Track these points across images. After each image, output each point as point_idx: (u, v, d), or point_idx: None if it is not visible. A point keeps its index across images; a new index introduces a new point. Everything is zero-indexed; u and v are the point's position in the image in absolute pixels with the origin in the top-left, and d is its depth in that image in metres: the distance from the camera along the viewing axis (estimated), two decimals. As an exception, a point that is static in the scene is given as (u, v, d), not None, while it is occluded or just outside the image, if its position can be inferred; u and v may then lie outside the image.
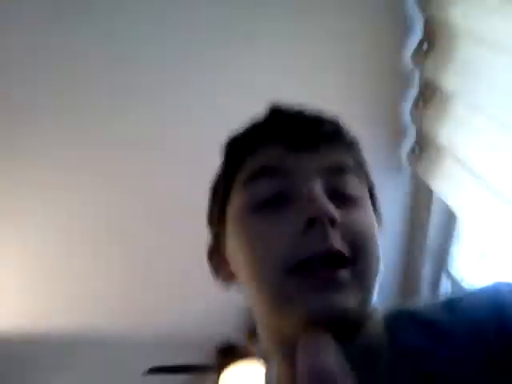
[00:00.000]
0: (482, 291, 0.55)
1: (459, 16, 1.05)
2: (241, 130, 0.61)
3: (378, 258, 0.53)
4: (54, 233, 2.09)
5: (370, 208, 0.57)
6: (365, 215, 0.54)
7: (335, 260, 0.49)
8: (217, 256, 0.62)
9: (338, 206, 0.52)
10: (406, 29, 1.34)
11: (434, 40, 1.23)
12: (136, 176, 1.98)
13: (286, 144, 0.55)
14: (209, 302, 2.71)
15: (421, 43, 1.27)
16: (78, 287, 2.37)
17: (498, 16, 0.92)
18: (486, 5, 0.97)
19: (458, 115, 1.18)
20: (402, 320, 0.56)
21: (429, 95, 1.31)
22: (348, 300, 0.48)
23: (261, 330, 0.57)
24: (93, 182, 1.95)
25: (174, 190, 2.07)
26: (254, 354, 2.94)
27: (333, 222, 0.49)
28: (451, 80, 1.16)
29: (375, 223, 0.56)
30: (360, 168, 0.58)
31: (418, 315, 0.55)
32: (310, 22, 1.39)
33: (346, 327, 0.49)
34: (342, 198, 0.53)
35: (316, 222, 0.49)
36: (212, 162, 0.64)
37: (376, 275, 0.52)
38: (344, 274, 0.49)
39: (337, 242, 0.49)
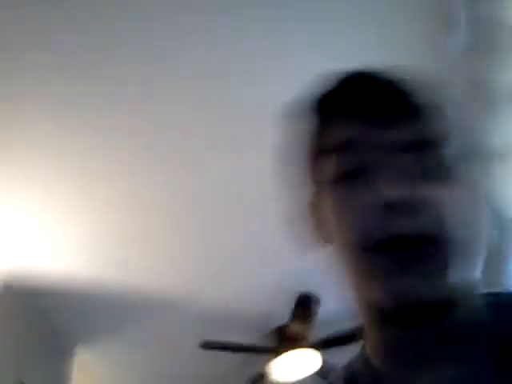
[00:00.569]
0: None
1: None
2: (317, 94, 0.58)
3: (473, 236, 0.50)
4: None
5: (464, 182, 0.52)
6: (456, 191, 0.50)
7: (419, 241, 0.47)
8: (315, 214, 0.60)
9: (424, 182, 0.49)
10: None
11: None
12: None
13: (364, 117, 0.52)
14: (273, 286, 2.74)
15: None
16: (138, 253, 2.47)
17: None
18: None
19: None
20: (502, 303, 0.54)
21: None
22: (433, 283, 0.47)
23: (352, 294, 0.56)
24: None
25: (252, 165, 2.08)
26: (310, 340, 2.93)
27: (413, 204, 0.47)
28: None
29: (472, 199, 0.51)
30: (443, 137, 0.52)
31: None
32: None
33: (430, 308, 0.47)
34: (428, 173, 0.50)
35: (395, 206, 0.47)
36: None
37: (472, 253, 0.50)
38: (429, 252, 0.47)
39: (417, 224, 0.47)
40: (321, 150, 0.56)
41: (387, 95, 0.53)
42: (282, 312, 2.90)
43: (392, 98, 0.53)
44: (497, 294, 0.55)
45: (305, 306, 2.81)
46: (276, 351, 2.95)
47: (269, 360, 2.98)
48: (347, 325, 2.62)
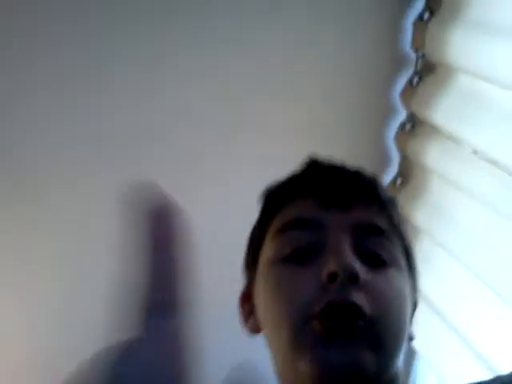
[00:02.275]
0: None
1: (433, 158, 1.16)
2: (278, 181, 0.62)
3: (401, 325, 0.51)
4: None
5: (402, 271, 0.55)
6: (393, 278, 0.53)
7: (352, 312, 0.47)
8: (247, 304, 0.62)
9: (366, 265, 0.51)
10: (383, 164, 1.38)
11: (407, 177, 1.32)
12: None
13: (319, 199, 0.55)
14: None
15: (395, 178, 1.35)
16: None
17: (469, 165, 1.04)
18: (458, 153, 1.08)
19: (423, 252, 1.22)
20: None
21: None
22: (362, 356, 0.46)
23: (276, 378, 0.56)
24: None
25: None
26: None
27: (355, 278, 0.48)
28: (420, 217, 1.24)
29: (406, 287, 0.54)
30: (394, 229, 0.57)
31: None
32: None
33: None
34: (371, 258, 0.52)
35: (337, 277, 0.48)
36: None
37: (398, 342, 0.51)
38: (361, 325, 0.47)
39: (356, 297, 0.48)
40: (271, 229, 0.58)
41: (342, 183, 0.57)
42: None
43: (346, 186, 0.56)
44: None
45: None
46: None
47: None
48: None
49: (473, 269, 1.05)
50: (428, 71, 1.20)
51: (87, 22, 1.11)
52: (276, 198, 0.60)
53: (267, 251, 0.57)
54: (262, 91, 1.26)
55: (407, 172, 1.34)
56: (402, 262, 0.56)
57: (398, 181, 1.36)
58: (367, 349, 0.47)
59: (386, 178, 1.39)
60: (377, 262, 0.53)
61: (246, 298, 0.62)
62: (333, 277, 0.48)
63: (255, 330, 0.60)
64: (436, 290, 1.17)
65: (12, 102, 1.12)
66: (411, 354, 1.39)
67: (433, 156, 1.18)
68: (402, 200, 1.32)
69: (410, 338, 0.56)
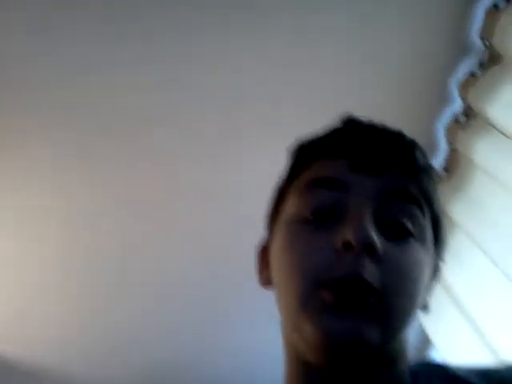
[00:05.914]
0: None
1: (481, 154, 1.13)
2: (311, 136, 0.59)
3: (412, 299, 0.49)
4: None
5: (425, 243, 0.52)
6: (413, 251, 0.50)
7: (363, 288, 0.46)
8: (264, 256, 0.61)
9: (387, 236, 0.49)
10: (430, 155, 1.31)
11: (452, 171, 1.30)
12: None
13: (350, 161, 0.52)
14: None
15: (440, 171, 1.31)
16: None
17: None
18: (509, 151, 1.05)
19: (456, 247, 1.20)
20: (431, 371, 0.52)
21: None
22: (367, 330, 0.45)
23: (282, 339, 0.56)
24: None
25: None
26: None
27: (371, 249, 0.46)
28: (458, 212, 1.21)
29: (426, 260, 0.51)
30: (425, 198, 0.53)
31: (449, 372, 0.52)
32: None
33: (361, 358, 0.46)
34: (394, 228, 0.50)
35: (352, 247, 0.46)
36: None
37: (406, 317, 0.49)
38: (369, 302, 0.46)
39: (369, 271, 0.46)
40: (296, 184, 0.56)
41: (377, 146, 0.53)
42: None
43: (381, 149, 0.53)
44: (420, 364, 0.54)
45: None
46: None
47: None
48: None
49: (506, 271, 1.02)
50: (492, 63, 1.16)
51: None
52: (306, 153, 0.57)
53: (289, 207, 0.55)
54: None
55: (453, 166, 1.30)
56: (428, 232, 0.53)
57: (443, 174, 1.32)
58: (374, 322, 0.46)
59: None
60: (399, 232, 0.50)
61: (264, 251, 0.61)
62: (348, 246, 0.47)
63: (266, 283, 0.59)
64: (462, 285, 1.16)
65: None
66: (426, 344, 1.38)
67: (482, 152, 1.15)
68: (443, 193, 1.29)
69: (424, 307, 0.54)
